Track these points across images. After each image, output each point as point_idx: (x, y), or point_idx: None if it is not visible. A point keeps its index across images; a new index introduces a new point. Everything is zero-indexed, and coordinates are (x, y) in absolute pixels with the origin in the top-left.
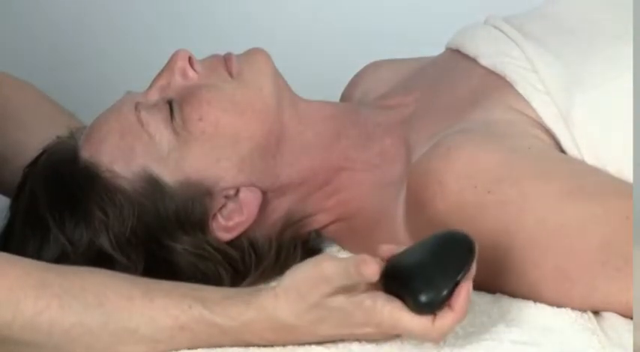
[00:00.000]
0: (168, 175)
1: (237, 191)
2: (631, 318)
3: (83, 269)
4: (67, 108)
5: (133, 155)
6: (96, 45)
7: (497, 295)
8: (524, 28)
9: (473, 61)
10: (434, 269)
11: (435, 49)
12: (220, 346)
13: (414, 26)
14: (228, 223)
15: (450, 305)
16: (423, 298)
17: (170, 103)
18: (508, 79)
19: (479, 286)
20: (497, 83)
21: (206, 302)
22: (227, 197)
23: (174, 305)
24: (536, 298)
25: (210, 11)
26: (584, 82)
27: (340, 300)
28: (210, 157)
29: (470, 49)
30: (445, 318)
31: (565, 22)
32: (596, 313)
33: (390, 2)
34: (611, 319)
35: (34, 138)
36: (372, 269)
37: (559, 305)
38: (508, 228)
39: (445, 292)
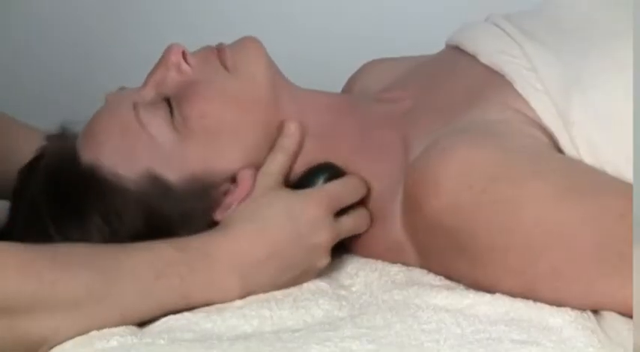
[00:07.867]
0: (172, 174)
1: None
2: (630, 317)
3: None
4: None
5: (136, 157)
6: (90, 43)
7: (497, 295)
8: (524, 27)
9: (472, 58)
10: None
11: (435, 48)
12: None
13: (414, 25)
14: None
15: None
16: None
17: (168, 101)
18: (507, 78)
19: (477, 286)
20: (496, 81)
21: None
22: (233, 180)
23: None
24: (534, 297)
25: (208, 6)
26: (583, 82)
27: (278, 191)
28: (213, 151)
29: (470, 46)
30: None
31: (565, 22)
32: (595, 312)
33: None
34: (611, 318)
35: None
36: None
37: (557, 305)
38: (504, 227)
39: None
